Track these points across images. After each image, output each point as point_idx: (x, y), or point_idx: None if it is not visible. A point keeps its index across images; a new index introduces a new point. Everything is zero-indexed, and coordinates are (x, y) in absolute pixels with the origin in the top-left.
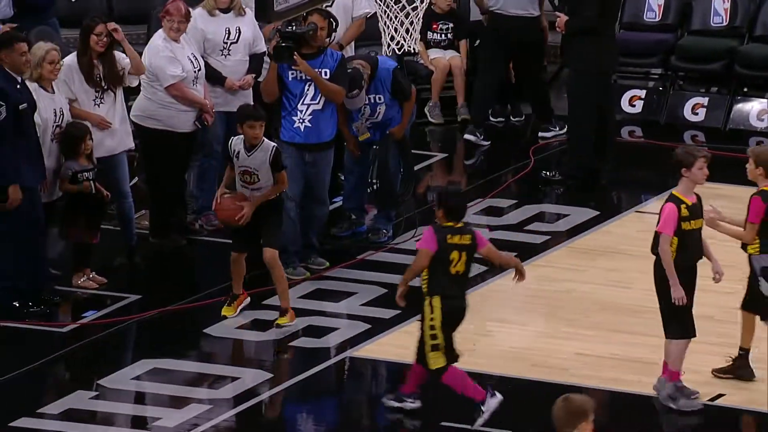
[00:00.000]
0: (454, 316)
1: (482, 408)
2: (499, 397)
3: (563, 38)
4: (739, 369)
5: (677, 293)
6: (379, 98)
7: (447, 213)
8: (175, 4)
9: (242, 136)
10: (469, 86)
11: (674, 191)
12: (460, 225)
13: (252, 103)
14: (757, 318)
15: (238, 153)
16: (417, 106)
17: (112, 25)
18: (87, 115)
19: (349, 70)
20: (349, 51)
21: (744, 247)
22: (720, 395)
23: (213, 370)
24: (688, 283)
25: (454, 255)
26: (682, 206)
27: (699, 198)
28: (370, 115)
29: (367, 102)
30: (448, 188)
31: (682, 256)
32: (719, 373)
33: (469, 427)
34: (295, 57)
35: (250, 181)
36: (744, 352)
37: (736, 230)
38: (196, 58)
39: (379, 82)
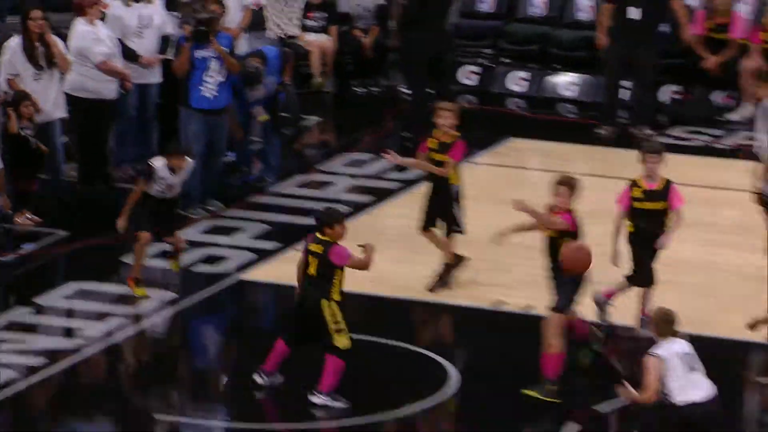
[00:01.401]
0: None
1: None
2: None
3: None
4: None
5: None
6: (272, 79)
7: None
8: None
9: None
10: (336, 64)
11: None
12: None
13: (160, 76)
14: None
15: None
16: (299, 79)
17: None
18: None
19: (251, 70)
20: (243, 35)
21: None
22: None
23: (128, 291)
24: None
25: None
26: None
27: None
28: (264, 95)
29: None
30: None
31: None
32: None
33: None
34: (210, 38)
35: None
36: None
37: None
38: (112, 39)
39: (273, 69)
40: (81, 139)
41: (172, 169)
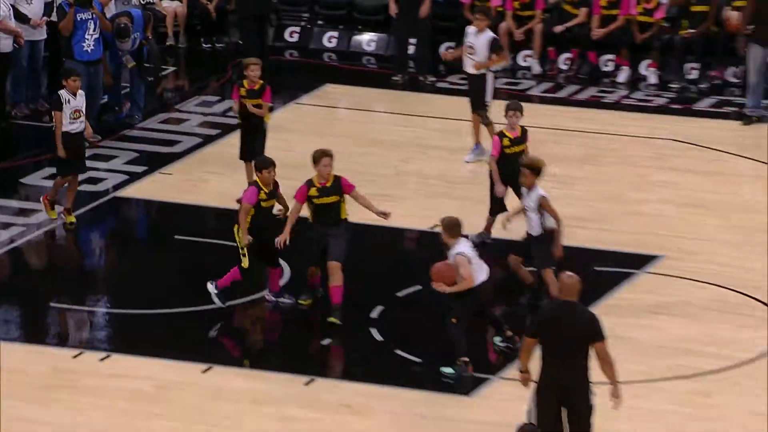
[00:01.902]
0: None
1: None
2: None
3: None
4: None
5: None
6: (137, 35)
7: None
8: None
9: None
10: (187, 24)
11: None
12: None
13: (45, 34)
14: None
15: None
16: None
17: None
18: None
19: (121, 26)
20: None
21: None
22: None
23: (27, 206)
24: None
25: None
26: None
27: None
28: (131, 47)
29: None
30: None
31: None
32: None
33: None
34: (91, 4)
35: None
36: None
37: None
38: (6, 4)
39: (138, 27)
40: None
41: (73, 93)
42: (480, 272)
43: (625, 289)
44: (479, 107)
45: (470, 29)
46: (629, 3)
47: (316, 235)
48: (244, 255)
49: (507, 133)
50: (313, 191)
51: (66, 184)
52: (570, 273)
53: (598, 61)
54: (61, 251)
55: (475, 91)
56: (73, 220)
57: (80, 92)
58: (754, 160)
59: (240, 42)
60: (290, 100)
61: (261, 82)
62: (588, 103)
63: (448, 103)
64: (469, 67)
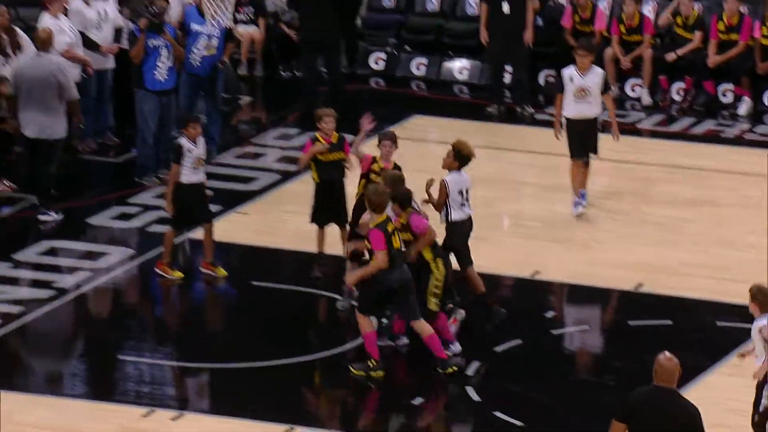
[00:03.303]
0: None
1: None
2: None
3: None
4: None
5: None
6: (216, 53)
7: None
8: None
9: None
10: (265, 51)
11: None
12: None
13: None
14: None
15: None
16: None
17: None
18: None
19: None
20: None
21: None
22: None
23: (95, 248)
24: None
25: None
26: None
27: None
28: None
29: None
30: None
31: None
32: None
33: None
34: (163, 29)
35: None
36: None
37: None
38: (73, 30)
39: (220, 44)
40: None
41: (193, 141)
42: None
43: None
44: (594, 151)
45: (571, 71)
46: (751, 26)
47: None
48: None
49: (379, 162)
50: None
51: (172, 238)
52: (669, 355)
53: (715, 91)
54: (130, 298)
55: (592, 135)
56: (224, 273)
57: (200, 138)
58: None
59: (323, 71)
60: (375, 132)
61: (337, 134)
62: (704, 137)
63: (547, 136)
64: (590, 111)
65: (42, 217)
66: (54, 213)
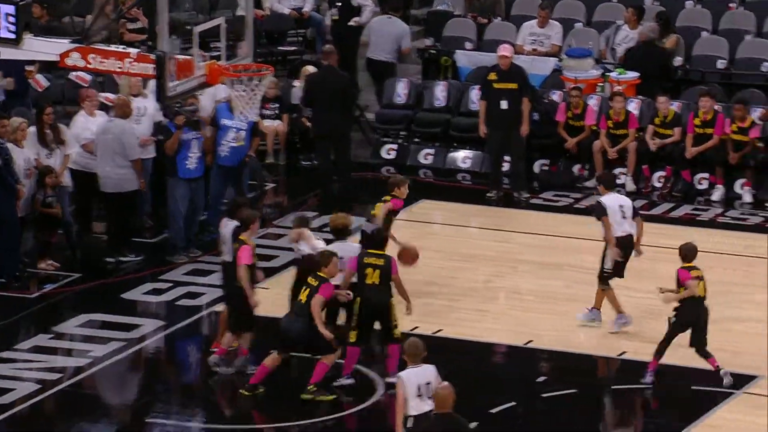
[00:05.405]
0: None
1: None
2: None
3: None
4: None
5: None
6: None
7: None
8: (90, 90)
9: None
10: (288, 142)
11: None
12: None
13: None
14: None
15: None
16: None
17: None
18: (39, 164)
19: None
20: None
21: None
22: None
23: (128, 320)
24: None
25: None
26: None
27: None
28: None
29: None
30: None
31: None
32: None
33: None
34: (200, 126)
35: None
36: None
37: None
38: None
39: (247, 137)
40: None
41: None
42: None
43: (725, 408)
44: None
45: (603, 199)
46: (723, 123)
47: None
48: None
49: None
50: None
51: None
52: (444, 384)
53: (692, 180)
54: (161, 365)
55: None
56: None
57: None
58: None
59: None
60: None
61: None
62: (682, 220)
63: (542, 218)
64: (631, 229)
65: (124, 259)
66: (134, 256)
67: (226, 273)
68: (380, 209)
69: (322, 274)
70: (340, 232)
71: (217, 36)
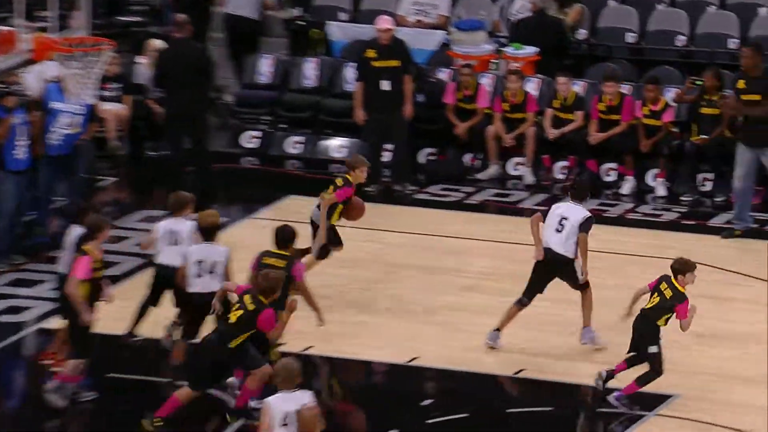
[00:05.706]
0: None
1: None
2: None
3: None
4: None
5: None
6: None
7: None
8: None
9: None
10: (131, 129)
11: None
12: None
13: None
14: None
15: None
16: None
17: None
18: None
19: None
20: None
21: None
22: None
23: None
24: None
25: None
26: None
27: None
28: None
29: None
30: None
31: None
32: None
33: None
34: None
35: None
36: None
37: None
38: None
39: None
40: None
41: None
42: None
43: None
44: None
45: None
46: (633, 107)
47: None
48: None
49: None
50: None
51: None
52: (311, 404)
53: (598, 170)
54: None
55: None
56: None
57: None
58: None
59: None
60: (247, 214)
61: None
62: None
63: (427, 216)
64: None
65: None
66: None
67: (63, 286)
68: (328, 196)
69: (263, 299)
70: (209, 232)
71: (45, 4)
